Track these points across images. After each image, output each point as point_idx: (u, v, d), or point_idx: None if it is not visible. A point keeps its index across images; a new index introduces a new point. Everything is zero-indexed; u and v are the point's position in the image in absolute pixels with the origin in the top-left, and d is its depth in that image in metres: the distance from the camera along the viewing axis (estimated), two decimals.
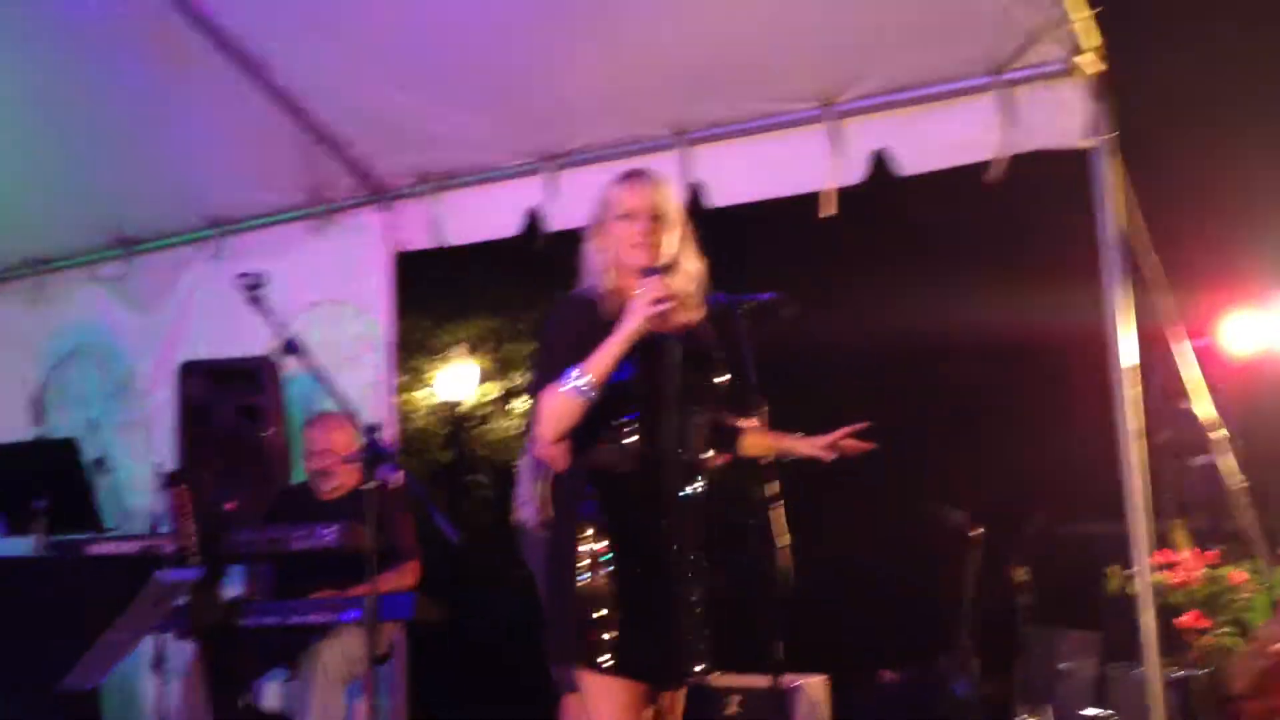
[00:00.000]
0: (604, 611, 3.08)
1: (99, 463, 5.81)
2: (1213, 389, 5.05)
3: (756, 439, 3.45)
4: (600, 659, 3.06)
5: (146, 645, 5.11)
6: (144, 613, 3.95)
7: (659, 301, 3.09)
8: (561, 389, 3.10)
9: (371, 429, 3.67)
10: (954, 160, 4.66)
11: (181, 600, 4.64)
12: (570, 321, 3.22)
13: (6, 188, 5.90)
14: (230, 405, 5.70)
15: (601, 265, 3.26)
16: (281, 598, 5.01)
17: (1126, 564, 4.53)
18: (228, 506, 5.35)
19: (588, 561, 3.12)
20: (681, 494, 3.24)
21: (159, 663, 5.06)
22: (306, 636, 4.84)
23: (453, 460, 11.64)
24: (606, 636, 3.07)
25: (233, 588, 5.29)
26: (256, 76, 5.14)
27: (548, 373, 3.14)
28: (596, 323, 3.18)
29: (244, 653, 4.88)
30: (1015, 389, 8.77)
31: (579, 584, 3.11)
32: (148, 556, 4.68)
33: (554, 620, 3.19)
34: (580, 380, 3.09)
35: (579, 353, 3.13)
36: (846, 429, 3.41)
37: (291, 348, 3.64)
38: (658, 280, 3.13)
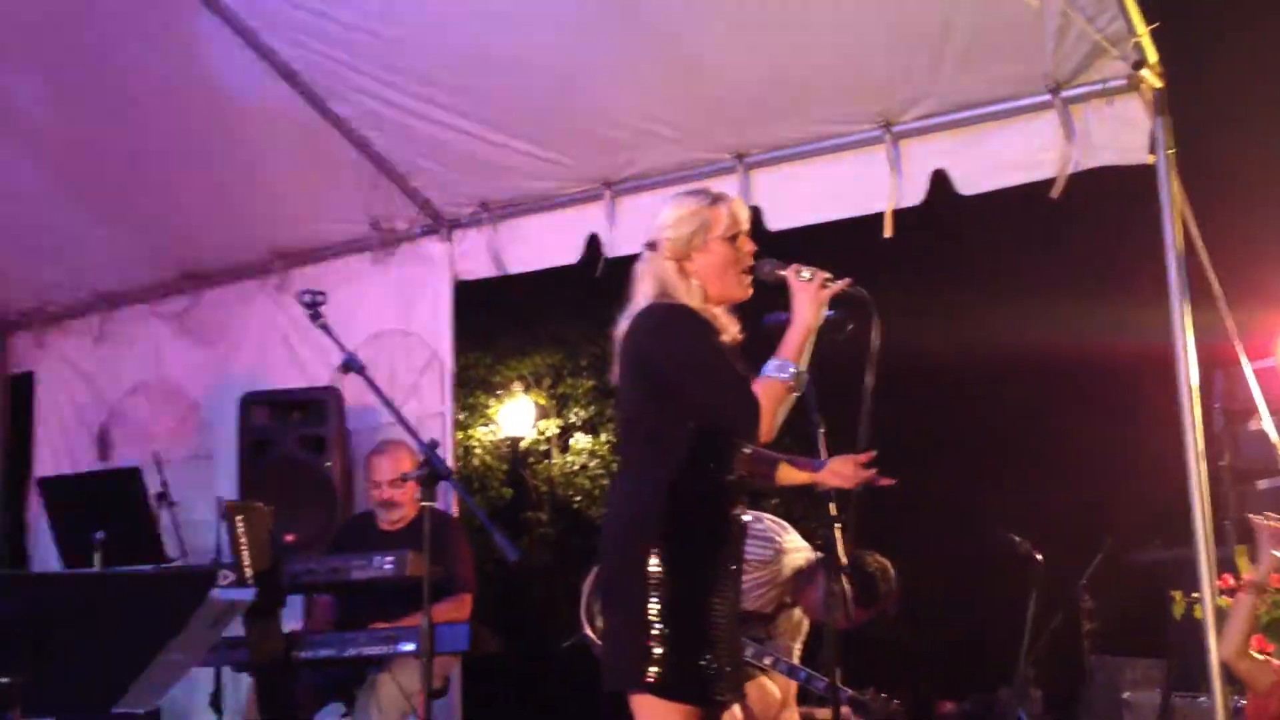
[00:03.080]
0: (663, 636, 3.03)
1: (162, 495, 5.85)
2: (1275, 411, 4.96)
3: (789, 471, 3.45)
4: (657, 682, 3.01)
5: (205, 679, 5.13)
6: (201, 633, 3.95)
7: (826, 283, 3.11)
8: (778, 380, 3.06)
9: (432, 445, 3.66)
10: (1015, 179, 4.64)
11: (240, 627, 4.65)
12: (703, 325, 3.16)
13: (77, 225, 6.03)
14: (292, 436, 5.76)
15: (690, 286, 3.19)
16: (342, 630, 5.00)
17: (1190, 590, 4.44)
18: (287, 539, 5.36)
19: (650, 585, 3.06)
20: (739, 518, 3.22)
21: (216, 697, 5.07)
22: (363, 669, 4.84)
23: (513, 497, 11.65)
24: (665, 660, 3.02)
25: (292, 620, 5.30)
26: (321, 108, 5.23)
27: (724, 370, 3.09)
28: (715, 330, 3.17)
29: (301, 686, 4.85)
30: (1079, 410, 8.65)
31: (642, 608, 3.05)
32: (208, 575, 4.70)
33: (616, 647, 3.15)
34: (794, 370, 3.08)
35: (729, 355, 3.13)
36: (863, 457, 3.35)
37: (352, 364, 3.65)
38: (808, 266, 3.14)
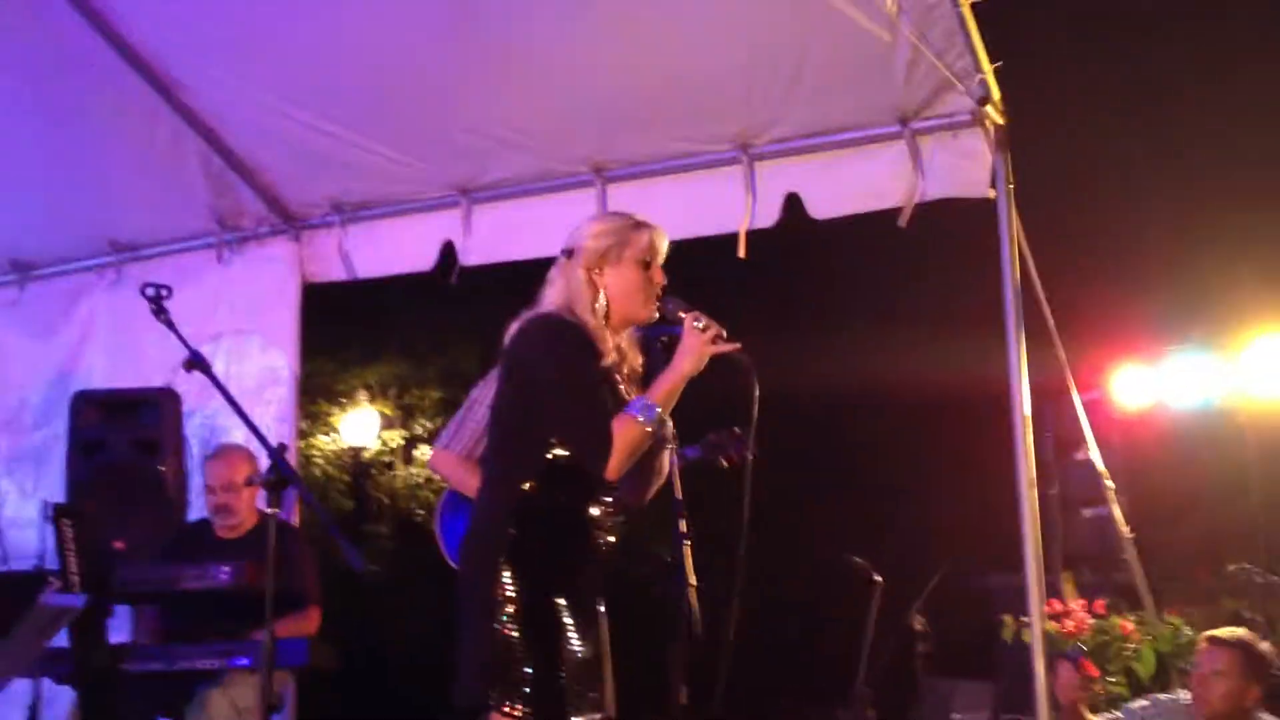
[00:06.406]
0: (518, 656, 3.03)
1: None
2: (1102, 442, 5.18)
3: None
4: (514, 704, 3.00)
5: (22, 691, 4.90)
6: (27, 641, 3.78)
7: (717, 340, 3.11)
8: (640, 420, 3.06)
9: (280, 449, 3.57)
10: (864, 206, 4.76)
11: (64, 638, 4.47)
12: (588, 351, 3.15)
13: None
14: (125, 438, 5.53)
15: (595, 300, 3.20)
16: (171, 642, 4.81)
17: (1020, 614, 4.59)
18: (116, 545, 5.18)
19: (499, 604, 3.05)
20: (602, 540, 3.23)
21: (35, 711, 4.85)
22: (194, 684, 4.66)
23: (353, 509, 11.47)
24: (520, 682, 3.01)
25: (119, 631, 5.10)
26: (167, 97, 5.08)
27: (588, 398, 3.08)
28: (597, 355, 3.16)
29: (127, 701, 4.65)
30: (919, 439, 8.89)
31: (495, 628, 3.05)
32: (34, 579, 4.51)
33: (467, 664, 3.11)
34: (657, 414, 3.07)
35: (603, 383, 3.12)
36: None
37: (197, 361, 3.55)
38: (708, 318, 3.14)
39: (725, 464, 4.40)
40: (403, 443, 11.95)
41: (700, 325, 3.14)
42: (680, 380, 3.12)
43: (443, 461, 4.50)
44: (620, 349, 3.26)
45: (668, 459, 3.33)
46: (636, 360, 3.30)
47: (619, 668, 3.30)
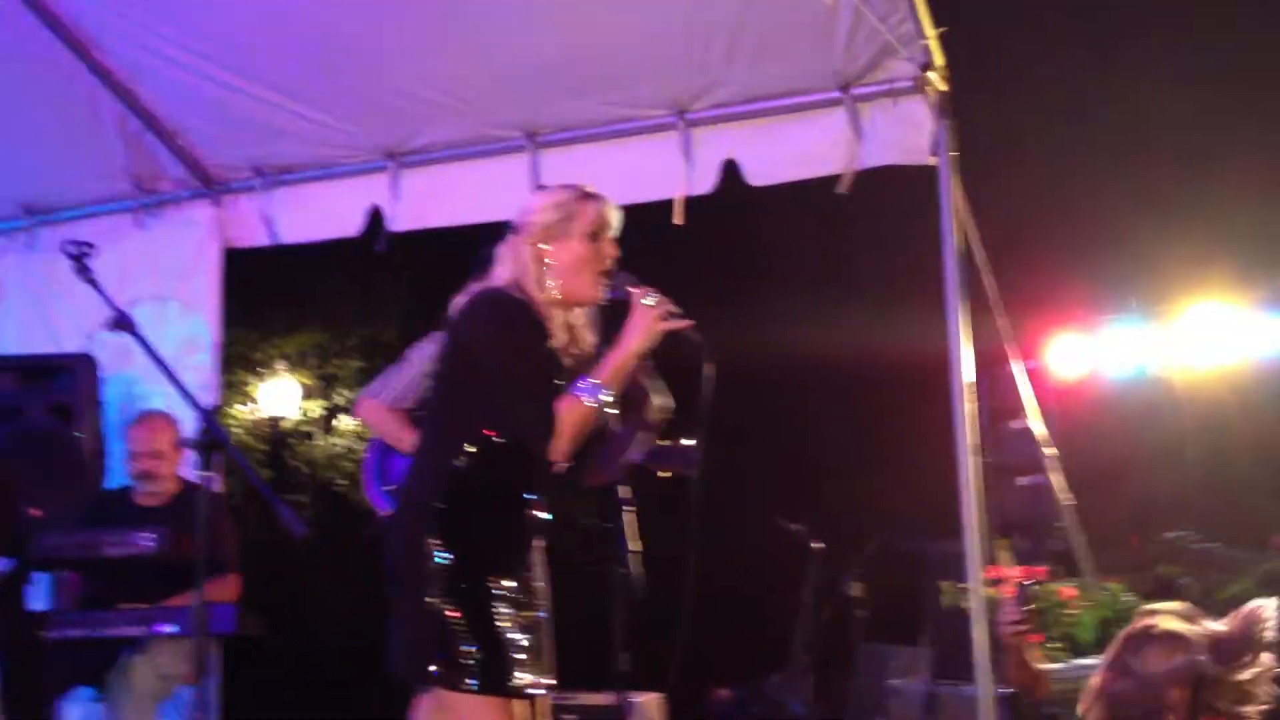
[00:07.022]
0: (457, 628, 2.96)
1: None
2: (1040, 410, 5.22)
3: None
4: (464, 678, 2.94)
5: None
6: None
7: (668, 316, 3.04)
8: (586, 401, 2.98)
9: (212, 411, 3.45)
10: (803, 173, 4.72)
11: None
12: (536, 329, 3.07)
13: None
14: (40, 404, 5.38)
15: (544, 276, 3.10)
16: (93, 610, 4.71)
17: (956, 580, 4.61)
18: (32, 513, 5.04)
19: (440, 580, 2.98)
20: (538, 516, 3.18)
21: None
22: (116, 652, 4.60)
23: (273, 478, 11.33)
24: (460, 653, 2.95)
25: (38, 600, 4.96)
26: (83, 55, 4.89)
27: (534, 378, 3.01)
28: (545, 334, 3.09)
29: (47, 669, 4.59)
30: (858, 406, 8.93)
31: (432, 601, 2.97)
32: None
33: (404, 636, 3.05)
34: (605, 395, 3.00)
35: (550, 363, 3.05)
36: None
37: (123, 321, 3.42)
38: (658, 294, 3.07)
39: (664, 475, 4.36)
40: (323, 413, 11.85)
41: (650, 302, 3.07)
42: (629, 358, 3.05)
43: (369, 410, 4.58)
44: (571, 327, 3.18)
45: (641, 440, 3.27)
46: (588, 340, 3.21)
47: (560, 637, 3.24)
